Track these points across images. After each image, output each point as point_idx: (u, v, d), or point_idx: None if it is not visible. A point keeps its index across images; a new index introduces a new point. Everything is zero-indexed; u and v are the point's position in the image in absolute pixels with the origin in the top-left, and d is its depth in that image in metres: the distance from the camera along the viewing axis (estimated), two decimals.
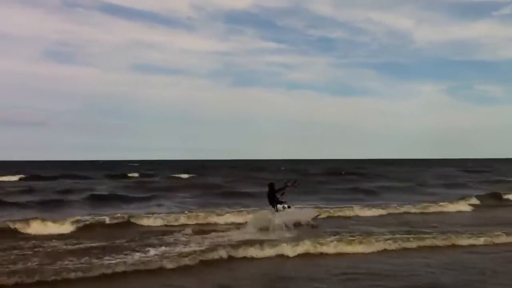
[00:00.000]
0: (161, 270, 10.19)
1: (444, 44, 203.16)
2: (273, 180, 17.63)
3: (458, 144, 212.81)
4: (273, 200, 15.84)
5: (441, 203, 22.35)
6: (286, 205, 15.82)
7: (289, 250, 11.91)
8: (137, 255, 11.16)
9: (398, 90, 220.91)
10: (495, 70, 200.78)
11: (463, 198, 24.18)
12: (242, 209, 19.85)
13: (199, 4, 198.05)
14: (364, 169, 62.39)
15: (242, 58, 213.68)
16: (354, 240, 12.84)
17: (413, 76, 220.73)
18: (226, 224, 17.17)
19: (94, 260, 10.59)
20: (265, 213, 15.69)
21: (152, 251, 11.60)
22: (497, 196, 25.87)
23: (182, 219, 17.46)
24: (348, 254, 12.05)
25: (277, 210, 15.61)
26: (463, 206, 22.25)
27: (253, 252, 11.74)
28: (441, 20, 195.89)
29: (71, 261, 10.44)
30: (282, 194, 16.00)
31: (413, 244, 12.83)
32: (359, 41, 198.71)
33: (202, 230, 15.18)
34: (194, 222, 17.30)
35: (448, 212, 21.03)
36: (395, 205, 21.66)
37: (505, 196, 26.08)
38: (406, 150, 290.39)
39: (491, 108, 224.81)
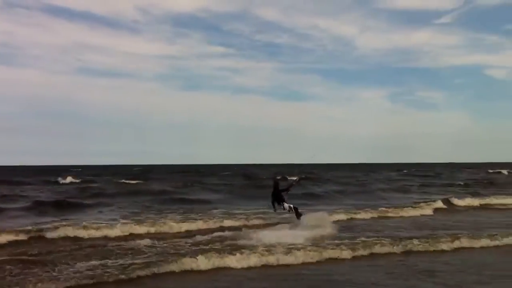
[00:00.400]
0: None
1: (387, 51, 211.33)
2: (277, 178, 16.92)
3: (400, 149, 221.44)
4: (279, 198, 14.97)
5: (405, 208, 22.25)
6: (291, 205, 15.06)
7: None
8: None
9: (343, 96, 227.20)
10: (436, 77, 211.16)
11: (426, 202, 24.55)
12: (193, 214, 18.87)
13: (145, 7, 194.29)
14: (313, 174, 62.21)
15: (189, 62, 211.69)
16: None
17: (357, 82, 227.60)
18: (180, 232, 15.71)
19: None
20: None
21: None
22: (449, 201, 25.81)
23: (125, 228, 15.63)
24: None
25: (283, 209, 15.01)
26: (424, 210, 22.17)
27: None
28: (384, 28, 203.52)
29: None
30: (286, 193, 15.24)
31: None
32: (305, 47, 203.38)
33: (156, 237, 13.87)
34: (142, 231, 15.58)
35: (413, 216, 20.68)
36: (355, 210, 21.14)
37: (463, 200, 26.34)
38: (351, 155, 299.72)
39: (431, 114, 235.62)
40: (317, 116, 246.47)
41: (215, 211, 21.24)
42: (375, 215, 20.27)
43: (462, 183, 44.27)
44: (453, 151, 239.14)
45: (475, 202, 25.96)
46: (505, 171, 71.81)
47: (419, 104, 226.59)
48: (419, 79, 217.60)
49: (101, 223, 16.32)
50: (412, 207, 22.86)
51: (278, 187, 15.28)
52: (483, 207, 25.08)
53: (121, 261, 10.49)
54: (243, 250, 11.36)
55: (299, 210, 15.23)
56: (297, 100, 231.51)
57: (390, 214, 20.68)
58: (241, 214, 19.52)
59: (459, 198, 26.84)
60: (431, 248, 12.56)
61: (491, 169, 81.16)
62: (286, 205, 14.98)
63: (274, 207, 15.05)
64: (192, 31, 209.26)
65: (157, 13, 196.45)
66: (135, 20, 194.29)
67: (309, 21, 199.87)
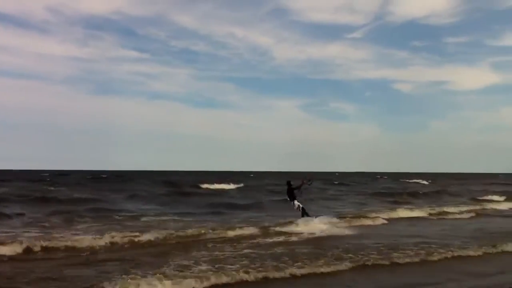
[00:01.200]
0: None
1: (302, 62, 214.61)
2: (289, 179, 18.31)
3: (314, 158, 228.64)
4: (291, 196, 17.65)
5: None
6: (300, 205, 17.53)
7: None
8: None
9: (258, 105, 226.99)
10: (348, 89, 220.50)
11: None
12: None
13: (56, 7, 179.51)
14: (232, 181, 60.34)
15: (102, 65, 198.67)
16: None
17: (272, 91, 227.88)
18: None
19: None
20: None
21: None
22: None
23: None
24: None
25: (293, 206, 17.65)
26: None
27: None
28: (299, 40, 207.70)
29: None
30: (299, 191, 17.60)
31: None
32: (221, 55, 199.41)
33: None
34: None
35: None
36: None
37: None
38: (265, 163, 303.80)
39: (343, 125, 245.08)
40: (233, 123, 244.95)
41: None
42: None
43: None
44: (362, 161, 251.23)
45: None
46: (424, 181, 74.40)
47: (331, 115, 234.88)
48: (331, 91, 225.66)
49: None
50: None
51: (291, 185, 17.69)
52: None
53: None
54: None
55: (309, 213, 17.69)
56: (213, 107, 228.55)
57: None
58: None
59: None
60: None
61: (401, 179, 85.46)
62: (296, 203, 17.60)
63: (291, 201, 17.76)
64: (105, 33, 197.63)
65: (68, 13, 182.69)
66: (45, 20, 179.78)
67: (226, 29, 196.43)
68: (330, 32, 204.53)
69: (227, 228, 16.17)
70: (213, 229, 15.80)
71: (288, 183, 17.74)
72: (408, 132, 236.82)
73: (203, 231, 15.36)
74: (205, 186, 49.95)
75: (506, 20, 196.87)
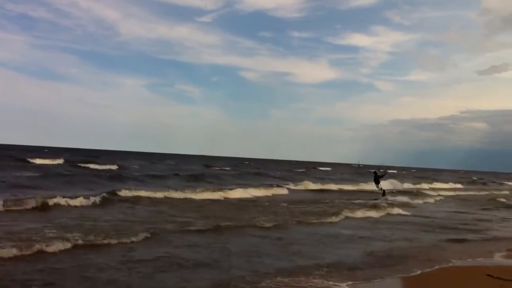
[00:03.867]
0: None
1: (151, 41, 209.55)
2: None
3: (160, 139, 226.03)
4: (377, 181, 28.55)
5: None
6: (382, 187, 29.03)
7: None
8: None
9: (102, 81, 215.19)
10: (195, 72, 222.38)
11: None
12: None
13: None
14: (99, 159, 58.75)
15: None
16: None
17: (118, 68, 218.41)
18: None
19: None
20: None
21: None
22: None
23: None
24: None
25: (378, 188, 28.69)
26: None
27: None
28: (149, 17, 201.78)
29: None
30: (382, 178, 29.18)
31: None
32: (64, 24, 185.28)
33: None
34: None
35: None
36: None
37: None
38: (110, 142, 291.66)
39: (189, 108, 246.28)
40: (75, 99, 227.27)
41: None
42: None
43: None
44: (207, 145, 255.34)
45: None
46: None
47: (177, 97, 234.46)
48: (179, 72, 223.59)
49: None
50: None
51: (377, 174, 28.81)
52: None
53: None
54: None
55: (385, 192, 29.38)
56: (53, 79, 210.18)
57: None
58: None
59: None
60: None
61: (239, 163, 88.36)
62: (380, 186, 28.77)
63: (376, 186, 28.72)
64: None
65: None
66: None
67: None
68: (181, 13, 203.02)
69: None
70: None
71: (375, 173, 28.89)
72: (251, 119, 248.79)
73: None
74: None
75: (347, 21, 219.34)
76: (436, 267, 10.46)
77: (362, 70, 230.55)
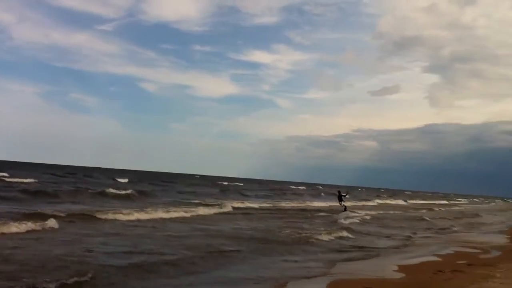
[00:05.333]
0: None
1: (45, 47, 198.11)
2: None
3: (50, 149, 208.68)
4: (340, 199, 33.43)
5: None
6: (344, 204, 33.19)
7: None
8: None
9: None
10: (92, 81, 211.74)
11: None
12: None
13: None
14: None
15: None
16: None
17: (7, 73, 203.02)
18: None
19: None
20: None
21: None
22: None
23: None
24: None
25: (341, 204, 32.90)
26: None
27: None
28: (45, 22, 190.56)
29: None
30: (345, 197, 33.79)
31: None
32: None
33: None
34: None
35: None
36: None
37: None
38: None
39: (84, 118, 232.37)
40: None
41: None
42: None
43: None
44: (101, 156, 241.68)
45: None
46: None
47: (72, 106, 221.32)
48: (75, 81, 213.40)
49: None
50: None
51: (340, 193, 33.85)
52: None
53: None
54: None
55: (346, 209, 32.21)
56: None
57: None
58: None
59: None
60: None
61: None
62: (342, 203, 33.15)
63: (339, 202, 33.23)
64: None
65: None
66: None
67: None
68: (80, 19, 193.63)
69: None
70: None
71: (339, 192, 34.44)
72: (149, 131, 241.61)
73: None
74: None
75: (249, 37, 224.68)
76: None
77: (263, 87, 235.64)
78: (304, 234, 17.09)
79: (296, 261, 12.03)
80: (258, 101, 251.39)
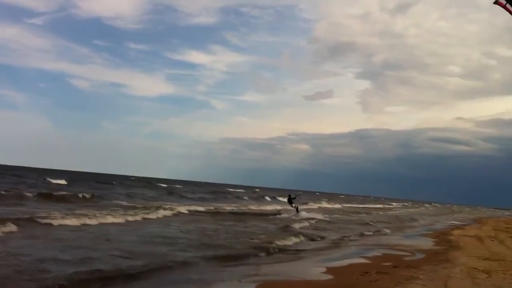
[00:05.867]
0: None
1: None
2: None
3: None
4: (290, 202, 34.44)
5: None
6: (295, 205, 34.30)
7: None
8: None
9: None
10: (20, 77, 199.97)
11: None
12: None
13: None
14: None
15: None
16: None
17: None
18: None
19: None
20: None
21: None
22: None
23: None
24: None
25: (292, 206, 33.93)
26: None
27: None
28: None
29: None
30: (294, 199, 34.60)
31: None
32: None
33: None
34: None
35: None
36: None
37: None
38: None
39: (9, 113, 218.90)
40: None
41: None
42: None
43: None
44: (29, 155, 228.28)
45: None
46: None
47: None
48: (1, 76, 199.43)
49: None
50: None
51: (290, 196, 34.64)
52: None
53: None
54: None
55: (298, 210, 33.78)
56: None
57: None
58: None
59: None
60: None
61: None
62: (293, 205, 34.21)
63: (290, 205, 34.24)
64: None
65: None
66: None
67: None
68: (8, 12, 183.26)
69: None
70: None
71: (289, 196, 34.91)
72: (81, 130, 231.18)
73: None
74: None
75: (186, 37, 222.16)
76: None
77: (199, 87, 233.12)
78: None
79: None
80: (193, 102, 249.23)
